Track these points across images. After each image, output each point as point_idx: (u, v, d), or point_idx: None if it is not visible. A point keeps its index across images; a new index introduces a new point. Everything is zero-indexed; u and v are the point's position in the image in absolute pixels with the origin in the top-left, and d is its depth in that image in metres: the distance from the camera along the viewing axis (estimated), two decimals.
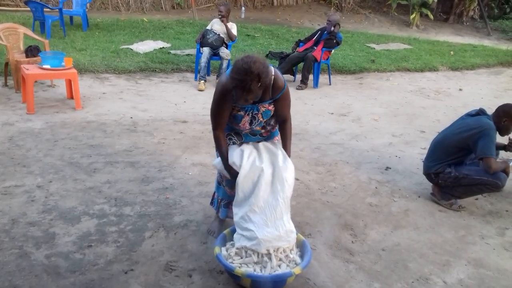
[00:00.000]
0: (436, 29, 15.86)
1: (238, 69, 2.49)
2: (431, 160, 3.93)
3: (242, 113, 2.78)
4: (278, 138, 3.07)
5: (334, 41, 7.67)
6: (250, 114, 2.79)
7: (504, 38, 15.73)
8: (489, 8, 18.08)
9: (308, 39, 7.98)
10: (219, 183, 3.14)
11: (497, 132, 3.71)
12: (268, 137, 3.04)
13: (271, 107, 2.80)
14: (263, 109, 2.78)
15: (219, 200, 3.17)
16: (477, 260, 3.16)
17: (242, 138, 2.97)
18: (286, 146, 2.95)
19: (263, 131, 2.95)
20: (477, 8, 17.61)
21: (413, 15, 15.69)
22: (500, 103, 3.90)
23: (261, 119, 2.81)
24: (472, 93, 8.39)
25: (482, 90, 8.71)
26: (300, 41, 8.07)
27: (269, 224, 2.63)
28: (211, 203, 3.32)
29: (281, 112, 2.86)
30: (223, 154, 2.88)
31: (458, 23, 17.37)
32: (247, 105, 2.72)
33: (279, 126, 2.98)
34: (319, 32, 7.90)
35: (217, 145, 2.91)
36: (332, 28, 7.61)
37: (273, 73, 2.70)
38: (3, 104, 5.63)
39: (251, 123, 2.83)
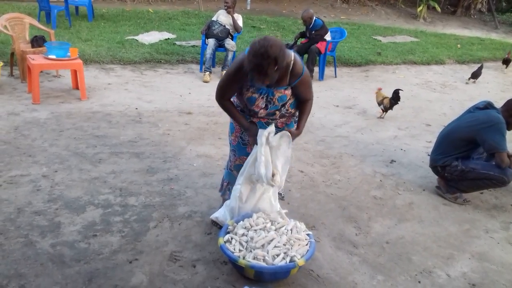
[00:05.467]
0: (443, 22, 15.74)
1: (255, 53, 2.46)
2: (438, 153, 3.91)
3: (256, 95, 2.75)
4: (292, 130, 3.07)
5: (318, 35, 7.56)
6: (265, 98, 2.76)
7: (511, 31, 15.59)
8: (497, 1, 17.93)
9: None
10: (227, 168, 3.20)
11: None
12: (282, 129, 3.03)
13: (287, 92, 2.77)
14: (279, 94, 2.75)
15: (226, 184, 3.23)
16: (481, 254, 3.15)
17: (257, 126, 2.92)
18: (301, 119, 2.93)
19: (278, 118, 2.92)
20: (485, 1, 17.48)
21: (420, 8, 15.59)
22: (507, 97, 3.88)
23: (277, 103, 2.78)
24: (479, 87, 8.34)
25: (489, 84, 8.65)
26: (304, 33, 8.01)
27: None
28: (220, 190, 3.37)
29: (302, 95, 2.85)
30: (236, 118, 2.89)
31: (465, 16, 17.25)
32: (263, 87, 2.71)
33: (300, 103, 2.92)
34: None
35: (228, 112, 2.91)
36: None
37: (292, 58, 2.68)
38: (9, 94, 5.65)
39: (266, 107, 2.80)
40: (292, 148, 2.92)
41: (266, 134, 2.77)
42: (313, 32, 7.52)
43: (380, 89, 6.08)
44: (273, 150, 2.83)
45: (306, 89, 2.83)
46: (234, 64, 2.74)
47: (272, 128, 2.81)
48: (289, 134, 2.85)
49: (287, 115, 2.92)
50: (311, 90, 2.89)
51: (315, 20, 7.52)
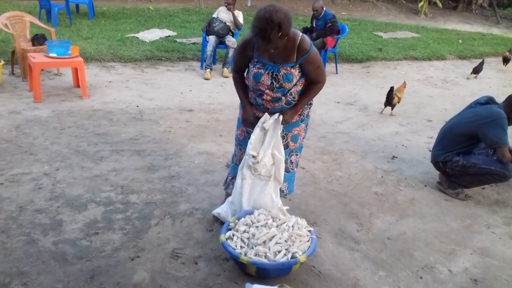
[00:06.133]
0: (444, 17, 15.70)
1: (259, 18, 2.49)
2: (439, 148, 3.90)
3: (262, 71, 2.75)
4: (298, 129, 3.06)
5: (334, 23, 7.56)
6: (270, 74, 2.74)
7: None
8: None
9: (311, 30, 7.91)
10: (232, 162, 3.21)
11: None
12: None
13: (294, 71, 2.74)
14: (284, 71, 2.72)
15: (230, 178, 3.22)
16: (483, 249, 3.15)
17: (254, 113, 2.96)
18: (301, 100, 2.86)
19: (284, 104, 2.86)
20: None
21: (422, 3, 15.54)
22: (509, 92, 3.87)
23: (282, 82, 2.74)
24: (480, 82, 8.32)
25: (490, 79, 8.63)
26: (307, 29, 8.01)
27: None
28: (224, 183, 3.35)
29: (311, 76, 2.82)
30: (239, 93, 2.98)
31: (467, 11, 17.20)
32: (269, 63, 2.72)
33: (308, 84, 2.88)
34: (313, 20, 7.87)
35: (235, 85, 3.01)
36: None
37: (300, 35, 2.69)
38: (10, 92, 5.65)
39: (272, 85, 2.76)
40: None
41: (260, 124, 2.87)
42: (328, 20, 7.53)
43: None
44: (265, 133, 2.90)
45: (315, 69, 2.79)
46: (242, 37, 2.82)
47: (266, 117, 2.87)
48: (280, 119, 2.87)
49: (293, 102, 2.87)
50: (322, 71, 2.85)
51: (324, 11, 7.56)
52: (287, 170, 3.06)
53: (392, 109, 5.98)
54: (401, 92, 5.92)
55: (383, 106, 6.01)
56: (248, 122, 2.96)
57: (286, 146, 3.02)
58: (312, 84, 2.86)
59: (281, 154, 2.91)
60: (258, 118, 2.93)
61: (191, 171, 3.94)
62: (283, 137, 2.98)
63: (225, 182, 3.30)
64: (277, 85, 2.76)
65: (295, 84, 2.79)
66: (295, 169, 3.19)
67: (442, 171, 3.93)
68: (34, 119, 4.83)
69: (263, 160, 2.88)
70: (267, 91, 2.79)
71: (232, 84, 3.07)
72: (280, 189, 3.04)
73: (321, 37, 7.53)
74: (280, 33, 2.50)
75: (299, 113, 2.95)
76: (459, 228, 3.41)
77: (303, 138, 3.13)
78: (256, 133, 2.89)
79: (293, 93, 2.83)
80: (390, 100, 5.86)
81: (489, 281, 2.82)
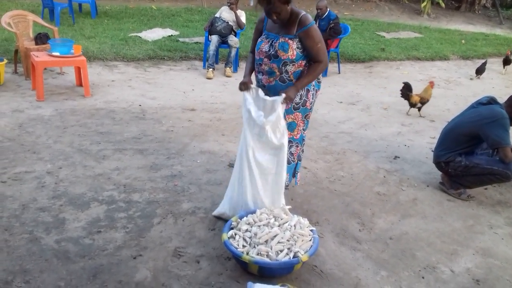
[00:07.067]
0: (447, 18, 15.68)
1: None
2: (442, 148, 3.90)
3: (264, 39, 3.07)
4: (292, 116, 3.11)
5: (338, 24, 7.56)
6: (270, 42, 3.01)
7: None
8: None
9: None
10: None
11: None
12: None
13: (292, 43, 2.94)
14: (282, 40, 2.96)
15: None
16: (485, 250, 3.15)
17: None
18: (302, 78, 3.01)
19: (278, 79, 3.03)
20: None
21: (424, 3, 15.52)
22: (511, 93, 3.86)
23: (277, 49, 2.95)
24: (483, 83, 8.31)
25: (493, 80, 8.61)
26: None
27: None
28: None
29: (311, 53, 2.99)
30: (246, 65, 3.30)
31: (470, 12, 17.17)
32: (271, 33, 3.02)
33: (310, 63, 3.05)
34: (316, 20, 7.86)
35: (247, 61, 3.33)
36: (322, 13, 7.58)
37: (303, 13, 2.95)
38: (13, 91, 5.67)
39: (268, 51, 3.00)
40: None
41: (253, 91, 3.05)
42: (331, 21, 7.53)
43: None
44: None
45: (314, 45, 2.95)
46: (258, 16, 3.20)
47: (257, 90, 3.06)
48: (282, 97, 2.92)
49: (287, 81, 3.01)
50: (322, 50, 3.00)
51: (328, 11, 7.58)
52: (288, 162, 3.10)
53: (418, 109, 5.96)
54: (427, 92, 5.89)
55: (386, 106, 6.01)
56: (244, 86, 3.05)
57: None
58: (313, 64, 3.01)
59: (284, 139, 2.93)
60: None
61: (194, 170, 3.94)
62: None
63: None
64: (273, 52, 2.98)
65: (292, 62, 2.95)
66: (296, 160, 3.27)
67: (445, 171, 3.92)
68: (37, 118, 4.84)
69: (268, 124, 2.88)
70: (265, 59, 3.04)
71: (234, 83, 3.11)
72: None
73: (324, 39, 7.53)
74: None
75: (299, 90, 3.03)
76: (461, 228, 3.40)
77: (303, 130, 3.21)
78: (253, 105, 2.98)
79: (289, 72, 2.99)
80: (407, 98, 5.87)
81: (491, 282, 2.82)
